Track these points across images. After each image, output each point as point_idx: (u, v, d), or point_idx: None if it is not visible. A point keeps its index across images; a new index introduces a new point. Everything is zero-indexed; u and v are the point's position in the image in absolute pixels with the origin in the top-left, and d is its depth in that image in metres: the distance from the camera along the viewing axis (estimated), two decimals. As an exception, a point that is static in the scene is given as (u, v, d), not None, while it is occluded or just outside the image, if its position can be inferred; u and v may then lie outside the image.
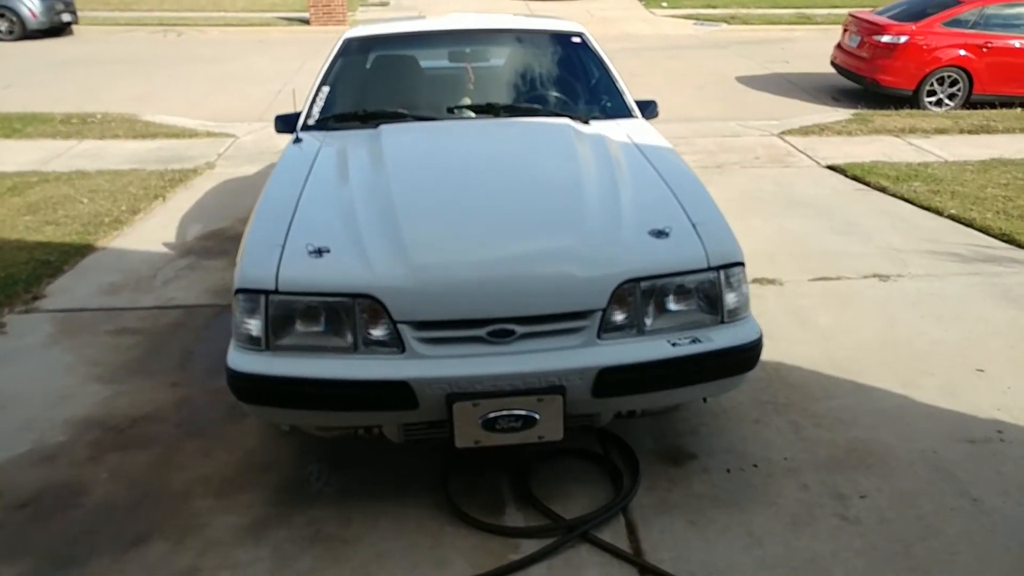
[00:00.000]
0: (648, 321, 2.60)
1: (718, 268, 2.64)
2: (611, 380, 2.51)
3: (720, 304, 2.64)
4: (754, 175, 6.88)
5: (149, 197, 6.04)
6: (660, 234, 2.69)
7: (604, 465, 2.89)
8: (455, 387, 2.44)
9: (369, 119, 3.75)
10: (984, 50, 9.51)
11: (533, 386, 2.46)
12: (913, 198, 6.04)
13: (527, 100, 3.95)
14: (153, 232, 5.40)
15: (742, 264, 2.70)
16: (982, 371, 3.49)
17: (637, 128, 3.74)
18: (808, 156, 7.51)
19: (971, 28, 9.59)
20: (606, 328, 2.55)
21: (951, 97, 9.72)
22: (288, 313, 2.53)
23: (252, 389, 2.53)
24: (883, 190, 6.32)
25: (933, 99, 9.73)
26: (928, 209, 5.81)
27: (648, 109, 4.12)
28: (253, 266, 2.60)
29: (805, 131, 8.36)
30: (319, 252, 2.59)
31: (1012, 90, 9.65)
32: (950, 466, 2.85)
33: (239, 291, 2.55)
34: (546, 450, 2.91)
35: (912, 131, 8.36)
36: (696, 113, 9.48)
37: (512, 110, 3.81)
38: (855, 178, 6.68)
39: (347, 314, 2.51)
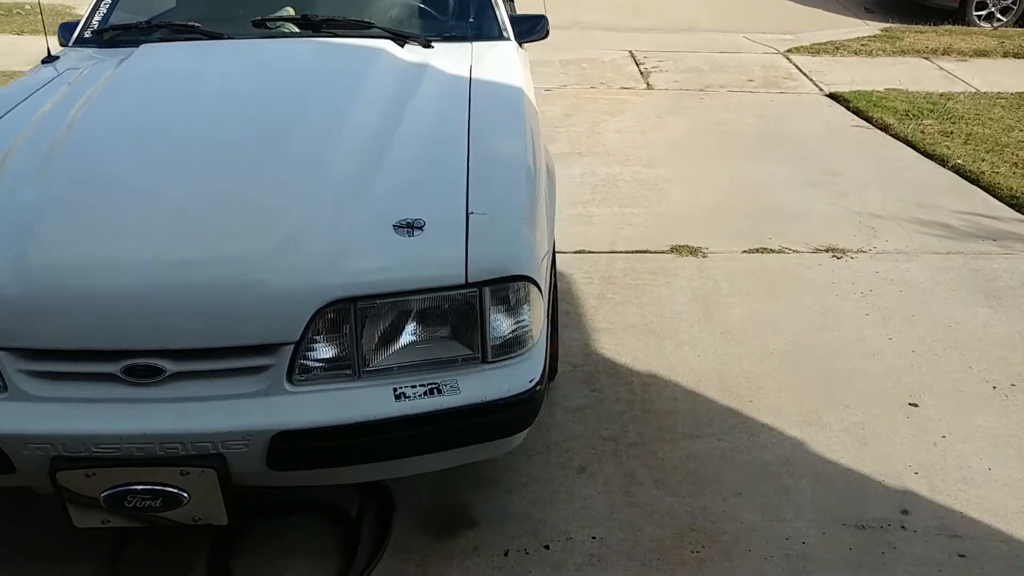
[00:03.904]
0: (369, 359, 1.79)
1: (481, 284, 1.80)
2: (295, 448, 1.73)
3: (481, 336, 1.82)
4: (738, 102, 5.85)
5: None
6: (410, 228, 1.85)
7: (351, 528, 2.14)
8: (61, 449, 1.69)
9: (153, 31, 2.91)
10: (1050, -46, 8.09)
11: (175, 453, 1.70)
12: (917, 141, 4.99)
13: (360, 12, 3.01)
14: None
15: (528, 279, 1.85)
16: (915, 406, 2.61)
17: (495, 59, 2.81)
18: (811, 80, 6.42)
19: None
20: (302, 369, 1.76)
21: (1004, 11, 8.35)
22: None
23: None
24: (885, 128, 5.28)
25: (983, 12, 8.37)
26: (932, 157, 4.78)
27: (534, 28, 3.18)
28: None
29: (817, 49, 7.21)
30: None
31: (1079, 5, 8.24)
32: (817, 570, 2.03)
33: None
34: (280, 501, 2.19)
35: (946, 52, 7.14)
36: (702, 22, 8.33)
37: (335, 25, 2.90)
38: (857, 111, 5.63)
39: None
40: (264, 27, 2.93)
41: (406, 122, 2.25)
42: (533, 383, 1.84)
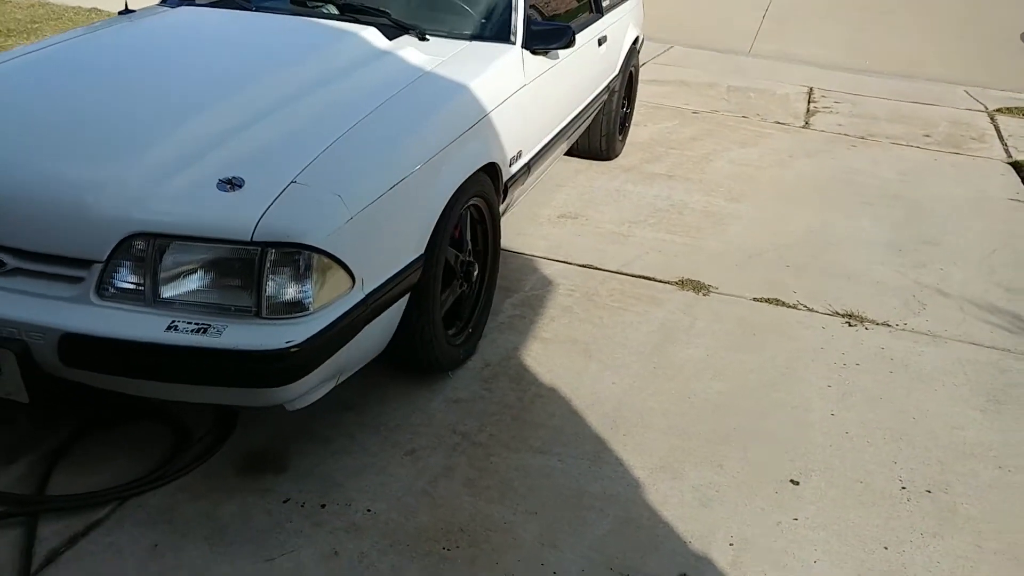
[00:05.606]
0: (165, 291, 2.04)
1: (264, 244, 1.99)
2: (77, 350, 2.02)
3: (258, 292, 2.01)
4: (893, 156, 5.39)
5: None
6: (230, 184, 2.08)
7: (186, 446, 2.40)
8: None
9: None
10: None
11: (-12, 334, 2.06)
12: (1071, 227, 4.32)
13: (386, 2, 3.23)
14: None
15: (314, 249, 2.01)
16: (795, 484, 2.38)
17: (474, 61, 2.92)
18: (1004, 144, 5.75)
19: None
20: (108, 286, 2.05)
21: None
22: None
23: None
24: (1046, 208, 4.61)
25: None
26: (1073, 247, 4.13)
27: (555, 38, 3.22)
28: None
29: (1036, 113, 6.36)
30: None
31: None
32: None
33: None
34: (144, 409, 2.50)
35: None
36: (924, 68, 7.65)
37: (351, 9, 3.15)
38: (1030, 185, 4.96)
39: None
40: (303, 4, 3.27)
41: (311, 97, 2.47)
42: (288, 344, 1.98)
